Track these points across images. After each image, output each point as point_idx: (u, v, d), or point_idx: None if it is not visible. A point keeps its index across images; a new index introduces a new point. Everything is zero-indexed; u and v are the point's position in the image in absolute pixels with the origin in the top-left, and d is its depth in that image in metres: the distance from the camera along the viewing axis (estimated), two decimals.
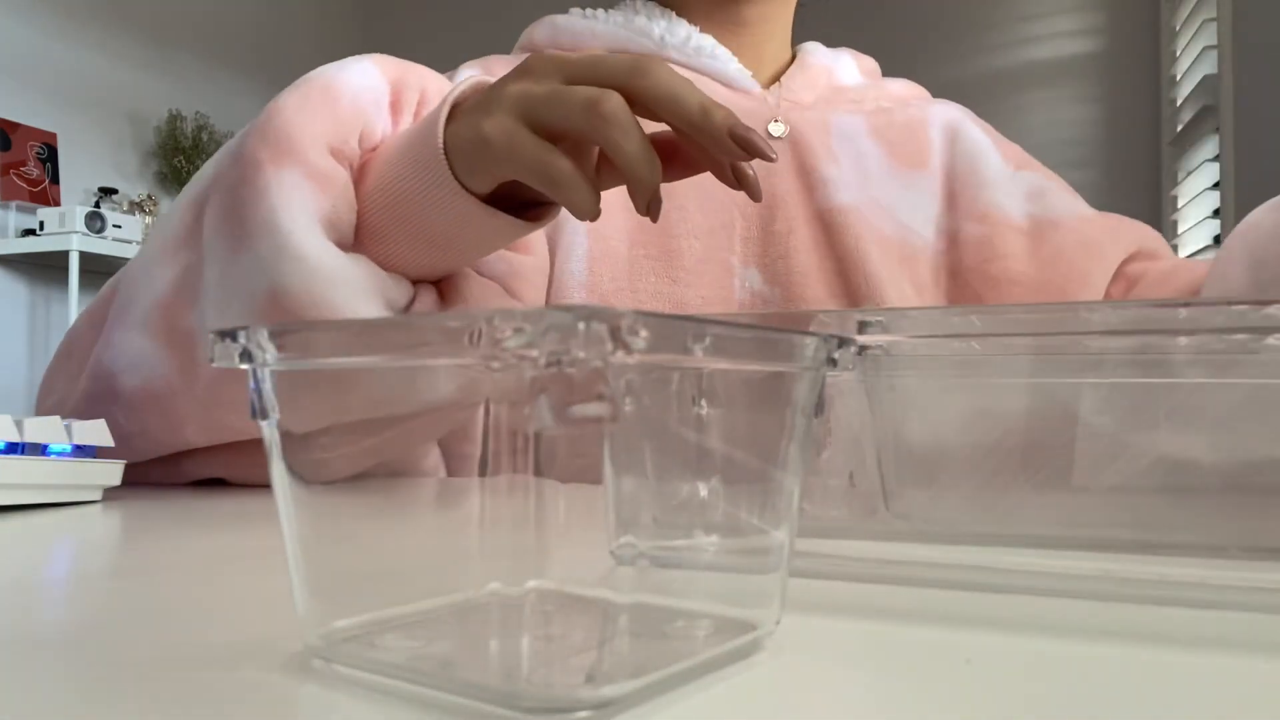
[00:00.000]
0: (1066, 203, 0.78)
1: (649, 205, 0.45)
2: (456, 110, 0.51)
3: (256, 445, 0.58)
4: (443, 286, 0.57)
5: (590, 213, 0.46)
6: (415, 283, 0.55)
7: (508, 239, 0.54)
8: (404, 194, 0.52)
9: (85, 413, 0.58)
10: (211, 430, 0.56)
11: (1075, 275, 0.73)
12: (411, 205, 0.52)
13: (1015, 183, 0.79)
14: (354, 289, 0.50)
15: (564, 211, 0.71)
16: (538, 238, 0.66)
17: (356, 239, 0.53)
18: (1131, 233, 0.78)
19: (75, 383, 0.60)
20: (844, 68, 0.86)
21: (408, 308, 0.54)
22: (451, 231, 0.52)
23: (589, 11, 0.82)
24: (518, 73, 0.48)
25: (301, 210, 0.50)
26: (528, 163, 0.46)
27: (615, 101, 0.44)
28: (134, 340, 0.55)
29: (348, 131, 0.53)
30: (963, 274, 0.76)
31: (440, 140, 0.50)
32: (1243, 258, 0.60)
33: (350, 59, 0.57)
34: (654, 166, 0.44)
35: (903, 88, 0.87)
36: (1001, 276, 0.74)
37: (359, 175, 0.54)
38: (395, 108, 0.57)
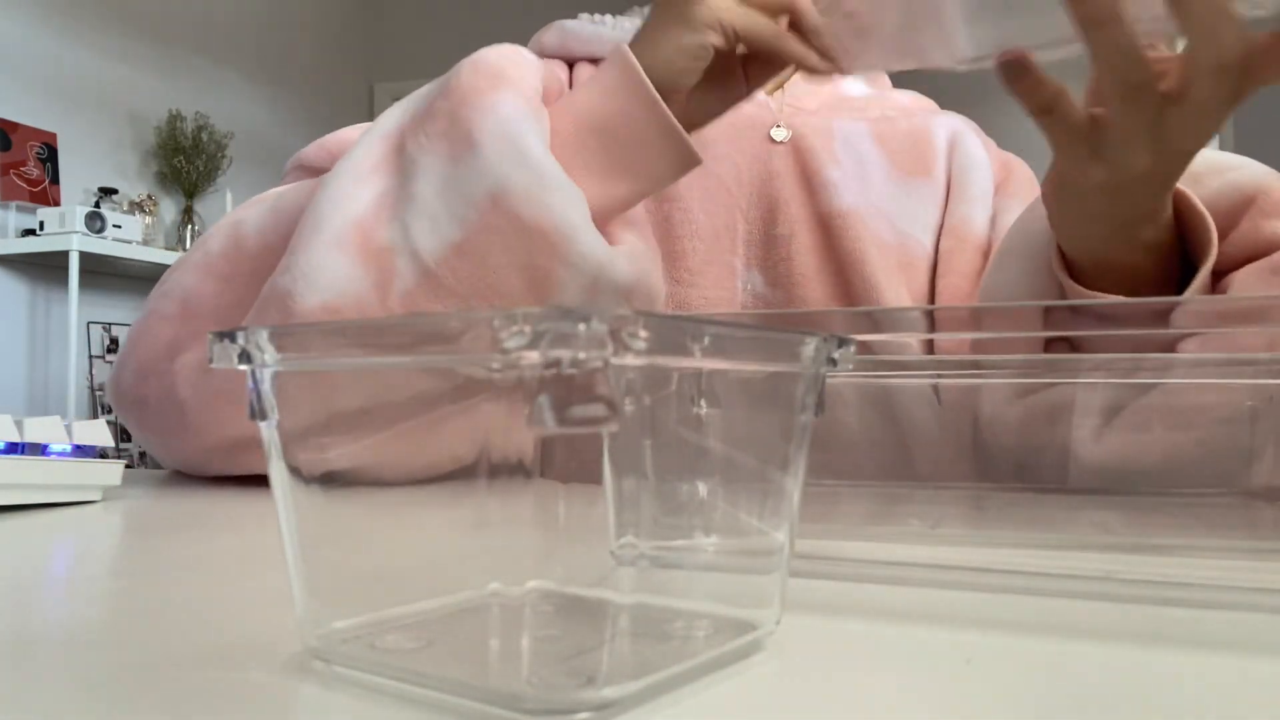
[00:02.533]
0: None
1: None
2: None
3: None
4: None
5: (820, 64, 0.55)
6: None
7: (680, 168, 0.58)
8: (600, 122, 0.56)
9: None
10: None
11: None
12: (604, 131, 0.56)
13: (992, 203, 0.80)
14: (574, 203, 0.52)
15: None
16: (646, 226, 0.67)
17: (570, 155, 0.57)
18: None
19: (202, 340, 0.59)
20: (850, 78, 0.86)
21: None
22: (639, 154, 0.56)
23: (597, 17, 0.82)
24: None
25: (527, 123, 0.53)
26: (763, 28, 0.54)
27: None
28: (323, 258, 0.53)
29: (542, 82, 0.58)
30: (941, 283, 0.76)
31: (629, 66, 0.55)
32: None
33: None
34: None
35: (909, 99, 0.87)
36: (946, 291, 0.74)
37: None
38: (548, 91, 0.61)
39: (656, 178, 0.58)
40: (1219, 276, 0.53)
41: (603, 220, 0.58)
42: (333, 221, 0.54)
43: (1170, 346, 0.37)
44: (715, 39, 0.54)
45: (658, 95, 0.54)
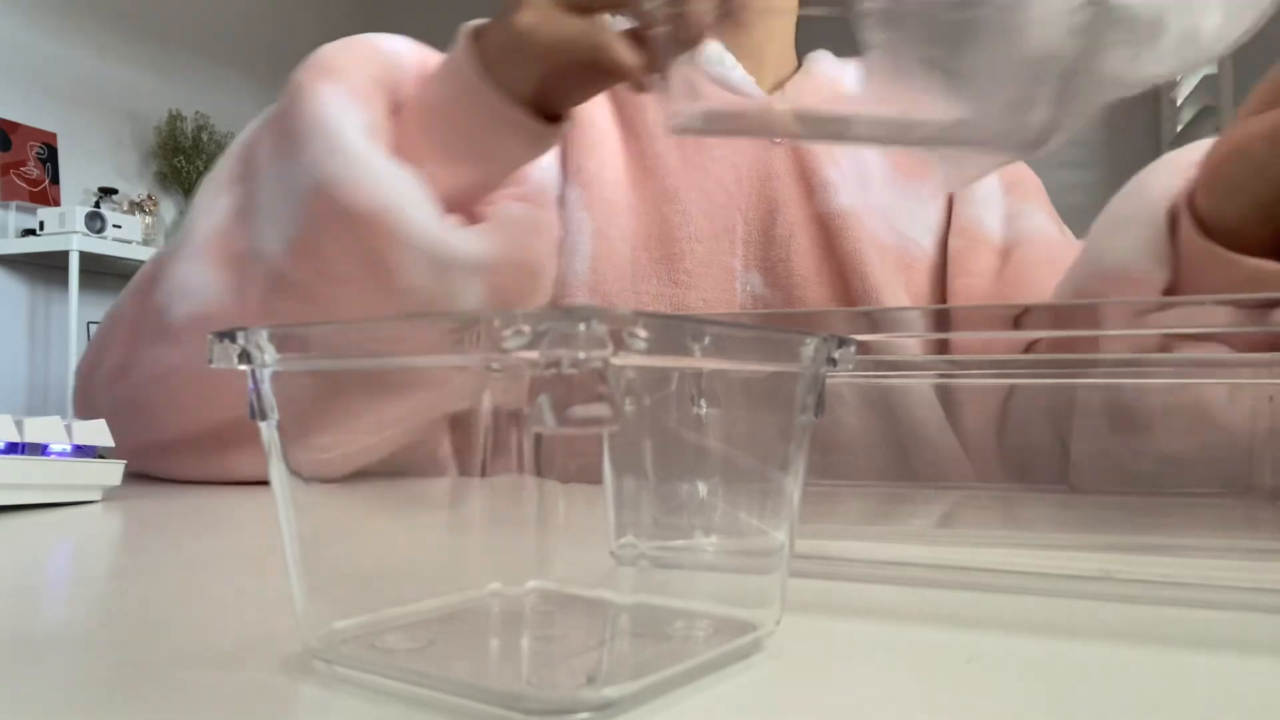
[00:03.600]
0: (1037, 223, 0.77)
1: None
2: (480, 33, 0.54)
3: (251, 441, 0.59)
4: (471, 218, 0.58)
5: (640, 80, 0.50)
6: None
7: (531, 147, 0.56)
8: (437, 107, 0.55)
9: (136, 357, 0.59)
10: None
11: (1033, 294, 0.72)
12: (445, 117, 0.55)
13: (1002, 204, 0.79)
14: (400, 184, 0.52)
15: (566, 211, 0.71)
16: (550, 202, 0.66)
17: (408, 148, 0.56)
18: None
19: (122, 347, 0.61)
20: (851, 78, 0.85)
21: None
22: (481, 137, 0.54)
23: None
24: None
25: (346, 114, 0.53)
26: (576, 35, 0.49)
27: None
28: (187, 269, 0.57)
29: (383, 71, 0.57)
30: (944, 287, 0.76)
31: (469, 48, 0.53)
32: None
33: (381, 34, 0.62)
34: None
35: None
36: (963, 292, 0.74)
37: (395, 115, 0.57)
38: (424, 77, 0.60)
39: (508, 158, 0.56)
40: None
41: (467, 200, 0.57)
42: (196, 234, 0.57)
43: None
44: (535, 51, 0.52)
45: (487, 81, 0.53)
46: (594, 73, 0.53)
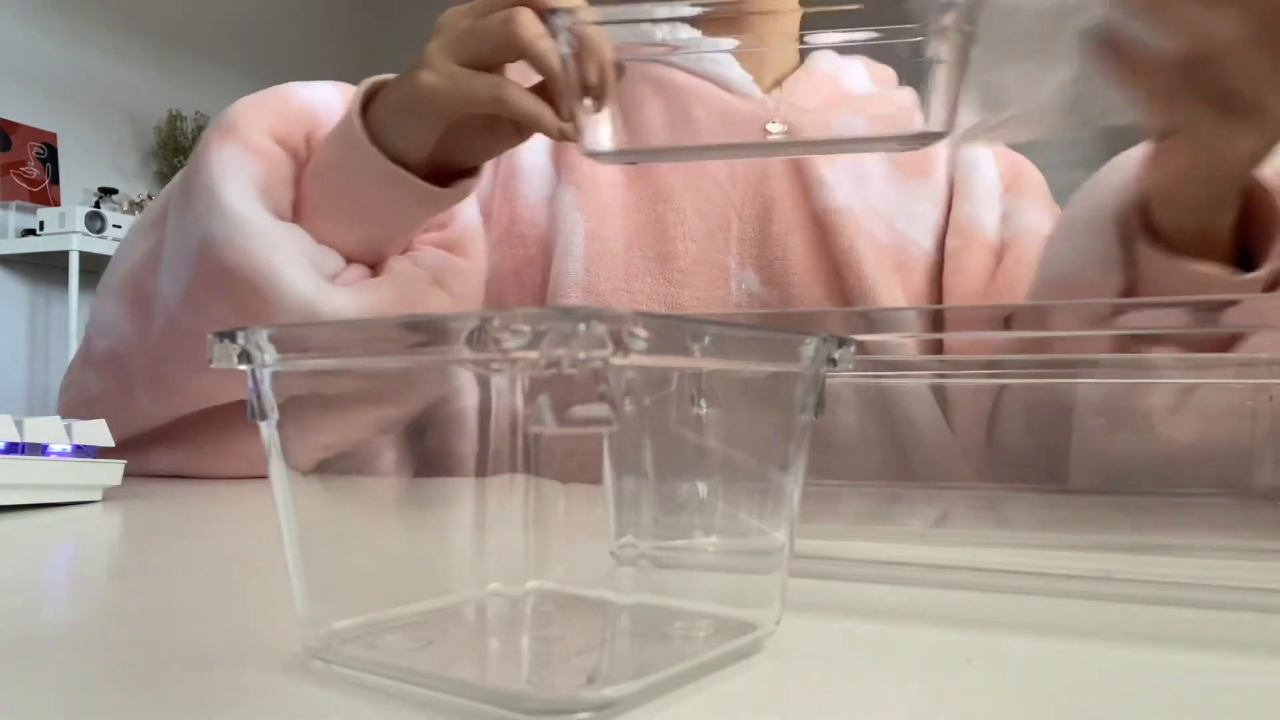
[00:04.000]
0: (1030, 221, 0.77)
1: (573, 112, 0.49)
2: (379, 90, 0.55)
3: (217, 436, 0.61)
4: (376, 269, 0.60)
5: (553, 125, 0.50)
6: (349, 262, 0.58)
7: (425, 206, 0.57)
8: (331, 165, 0.56)
9: (75, 377, 0.63)
10: (157, 387, 0.59)
11: (1022, 292, 0.71)
12: (338, 175, 0.56)
13: (1001, 202, 0.79)
14: (276, 246, 0.53)
15: (560, 212, 0.71)
16: (475, 243, 0.66)
17: (295, 216, 0.57)
18: None
19: (75, 364, 0.66)
20: (853, 76, 0.85)
21: (335, 281, 0.57)
22: (372, 195, 0.55)
23: None
24: (432, 34, 0.52)
25: (233, 174, 0.54)
26: (479, 90, 0.49)
27: (526, 15, 0.48)
28: (107, 306, 0.61)
29: (292, 124, 0.58)
30: (941, 285, 0.76)
31: (358, 109, 0.54)
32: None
33: (318, 81, 0.63)
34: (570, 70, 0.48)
35: (913, 98, 0.86)
36: (957, 290, 0.74)
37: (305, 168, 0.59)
38: None
39: (402, 217, 0.57)
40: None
41: (373, 254, 0.58)
42: (117, 273, 0.62)
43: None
44: (438, 110, 0.51)
45: (375, 144, 0.53)
46: (501, 127, 0.54)
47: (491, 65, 0.50)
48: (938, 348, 0.47)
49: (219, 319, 0.54)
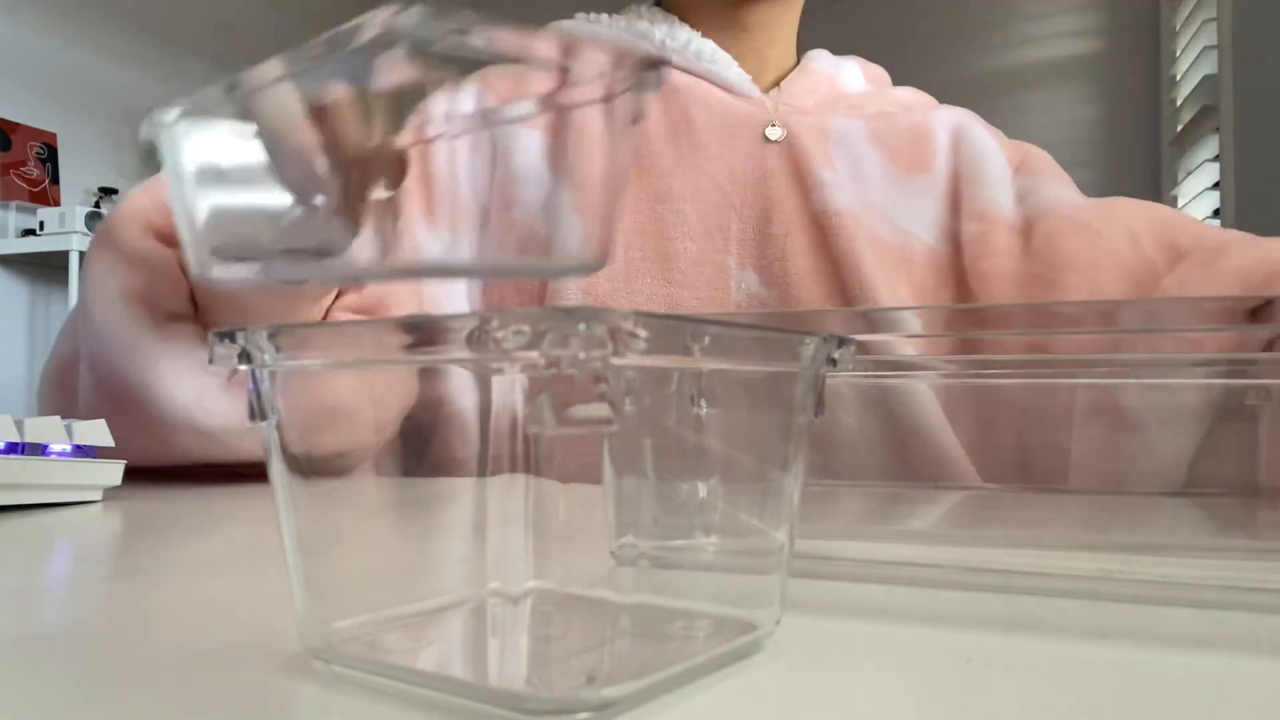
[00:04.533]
0: (1053, 191, 0.77)
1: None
2: None
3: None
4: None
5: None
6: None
7: (314, 305, 0.56)
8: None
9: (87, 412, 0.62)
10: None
11: (1063, 262, 0.71)
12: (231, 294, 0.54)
13: (1013, 184, 0.79)
14: (151, 358, 0.53)
15: (558, 214, 0.71)
16: (398, 293, 0.65)
17: (194, 306, 0.56)
18: (1127, 211, 0.74)
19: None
20: (848, 75, 0.85)
21: (233, 379, 0.56)
22: (257, 302, 0.54)
23: (592, 16, 0.82)
24: None
25: (108, 290, 0.54)
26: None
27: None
28: (44, 392, 0.63)
29: (168, 218, 0.56)
30: (961, 274, 0.76)
31: None
32: None
33: None
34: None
35: (909, 95, 0.86)
36: (992, 272, 0.73)
37: None
38: None
39: (286, 311, 0.55)
40: None
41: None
42: (54, 363, 0.62)
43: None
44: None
45: None
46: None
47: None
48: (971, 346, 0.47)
49: (123, 434, 0.52)
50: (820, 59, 0.85)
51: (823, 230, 0.73)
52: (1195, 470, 0.53)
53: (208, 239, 0.35)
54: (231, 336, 0.20)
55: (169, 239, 0.55)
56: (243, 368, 0.20)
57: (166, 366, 0.53)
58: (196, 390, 0.54)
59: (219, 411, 0.54)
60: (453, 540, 0.21)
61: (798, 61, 0.85)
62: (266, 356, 0.20)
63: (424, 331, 0.18)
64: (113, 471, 0.51)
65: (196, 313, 0.57)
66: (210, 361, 0.20)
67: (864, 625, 0.26)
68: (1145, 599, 0.29)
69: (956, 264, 0.77)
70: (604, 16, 0.82)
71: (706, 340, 0.19)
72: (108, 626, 0.25)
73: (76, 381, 0.59)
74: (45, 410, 0.63)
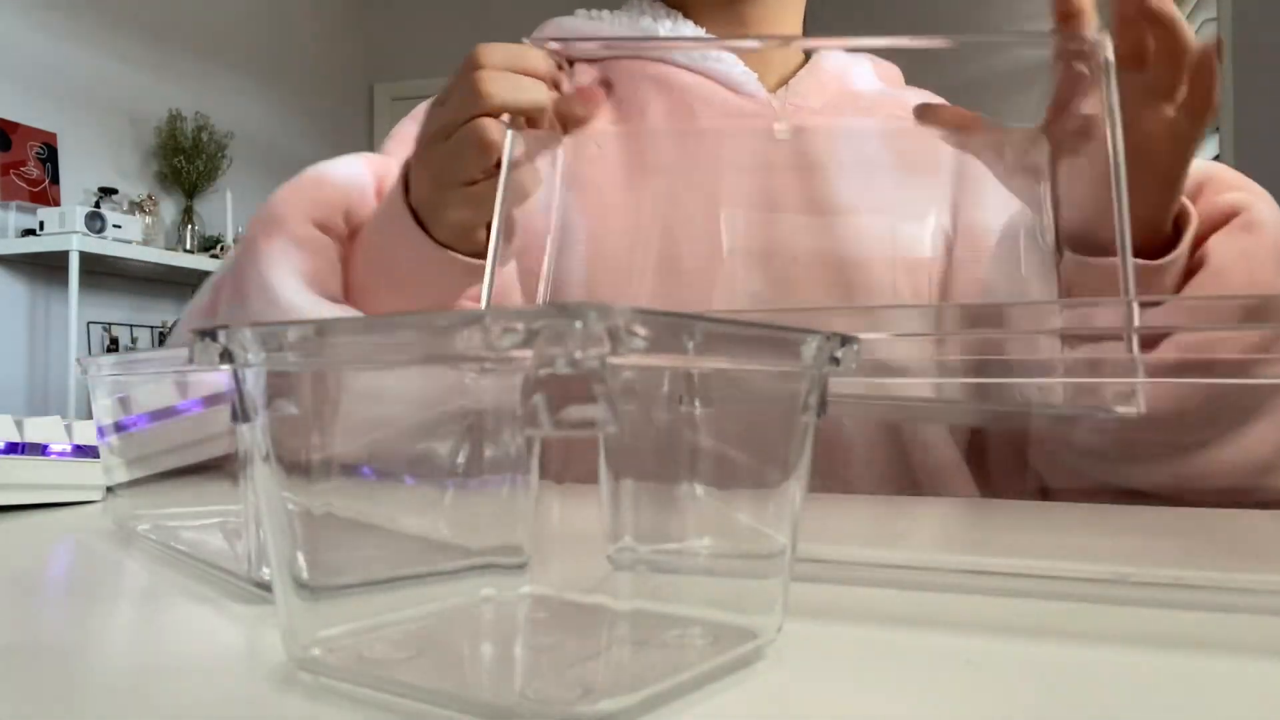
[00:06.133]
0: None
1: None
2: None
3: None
4: None
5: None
6: None
7: (469, 276, 0.59)
8: (375, 244, 0.60)
9: None
10: None
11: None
12: (382, 253, 0.59)
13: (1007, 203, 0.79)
14: None
15: (564, 218, 0.71)
16: (512, 297, 0.69)
17: (347, 297, 0.60)
18: None
19: None
20: (860, 73, 0.84)
21: None
22: (413, 269, 0.57)
23: (594, 12, 0.82)
24: (417, 150, 0.55)
25: (285, 269, 0.58)
26: (461, 207, 0.54)
27: (490, 132, 0.51)
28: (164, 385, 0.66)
29: (331, 209, 0.62)
30: (951, 286, 0.75)
31: (401, 191, 0.56)
32: None
33: (342, 156, 0.67)
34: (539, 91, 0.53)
35: (920, 97, 0.85)
36: (970, 291, 0.73)
37: (350, 246, 0.62)
38: (380, 194, 0.64)
39: (448, 288, 0.59)
40: (1194, 248, 0.58)
41: None
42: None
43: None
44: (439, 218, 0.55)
45: (417, 227, 0.56)
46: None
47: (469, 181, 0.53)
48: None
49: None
50: (830, 57, 0.84)
51: (828, 232, 0.73)
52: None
53: None
54: (213, 335, 0.20)
55: (326, 228, 0.61)
56: (224, 367, 0.20)
57: None
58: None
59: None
60: (444, 546, 0.20)
61: (807, 57, 0.85)
62: (250, 356, 0.19)
63: (417, 330, 0.18)
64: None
65: (347, 294, 0.61)
66: (190, 361, 0.20)
67: (865, 630, 0.25)
68: (1145, 601, 0.29)
69: (947, 271, 0.76)
70: (605, 13, 0.82)
71: (707, 339, 0.18)
72: (100, 632, 0.25)
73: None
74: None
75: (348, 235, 0.62)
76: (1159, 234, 0.56)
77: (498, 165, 0.52)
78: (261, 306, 0.57)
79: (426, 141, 0.54)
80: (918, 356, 0.39)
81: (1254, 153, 2.29)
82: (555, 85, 0.54)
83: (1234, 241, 0.56)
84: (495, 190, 0.51)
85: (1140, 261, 0.54)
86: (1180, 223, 0.57)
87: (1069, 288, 0.58)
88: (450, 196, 0.54)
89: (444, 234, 0.56)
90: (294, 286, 0.57)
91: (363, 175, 0.64)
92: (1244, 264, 0.55)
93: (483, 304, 0.51)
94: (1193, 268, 0.56)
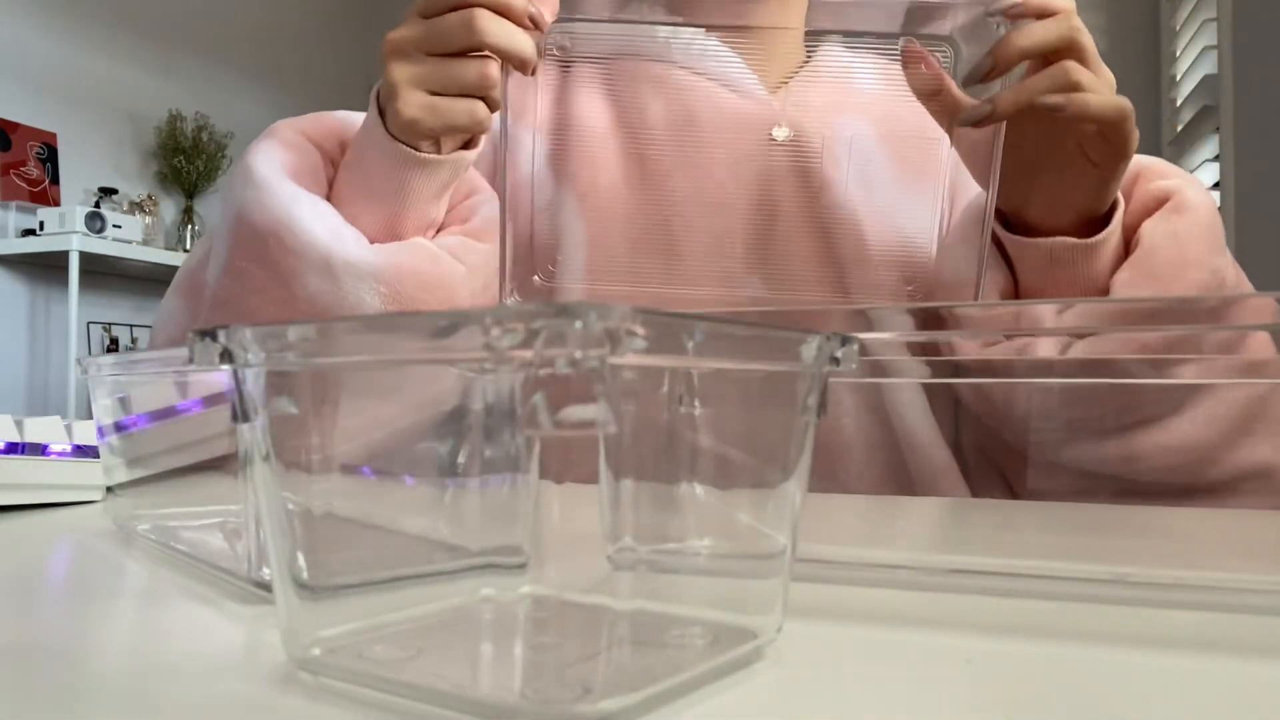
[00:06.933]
0: None
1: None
2: None
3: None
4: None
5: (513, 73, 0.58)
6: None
7: (429, 177, 0.62)
8: (353, 155, 0.63)
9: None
10: None
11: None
12: (357, 159, 0.62)
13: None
14: (297, 200, 0.59)
15: (563, 222, 0.71)
16: (495, 235, 0.69)
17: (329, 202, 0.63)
18: None
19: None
20: (862, 70, 0.84)
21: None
22: (380, 169, 0.61)
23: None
24: (386, 54, 0.57)
25: (266, 157, 0.62)
26: (459, 118, 0.57)
27: (484, 17, 0.54)
28: (169, 302, 0.70)
29: (325, 131, 0.66)
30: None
31: (374, 104, 0.60)
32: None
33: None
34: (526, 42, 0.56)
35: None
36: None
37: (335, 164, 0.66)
38: None
39: (413, 192, 0.62)
40: (1129, 232, 0.64)
41: (389, 234, 0.64)
42: (181, 272, 0.71)
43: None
44: (419, 138, 0.59)
45: (379, 126, 0.59)
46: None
47: (458, 92, 0.56)
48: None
49: (249, 276, 0.60)
50: (832, 56, 0.84)
51: (828, 234, 0.73)
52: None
53: None
54: (213, 335, 0.20)
55: (318, 145, 0.65)
56: (224, 367, 0.20)
57: (310, 210, 0.60)
58: (334, 233, 0.60)
59: (354, 254, 0.59)
60: (444, 546, 0.20)
61: (808, 59, 0.84)
62: (250, 356, 0.19)
63: (414, 329, 0.18)
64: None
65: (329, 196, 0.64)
66: (190, 361, 0.20)
67: (865, 630, 0.25)
68: (1145, 601, 0.29)
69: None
70: (604, 13, 0.81)
71: (706, 339, 0.18)
72: (99, 633, 0.25)
73: (204, 277, 0.65)
74: (168, 312, 0.69)
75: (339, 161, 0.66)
76: (1094, 215, 0.62)
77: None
78: (239, 188, 0.61)
79: (404, 41, 0.57)
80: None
81: (1254, 153, 2.29)
82: (537, 22, 0.57)
83: (1165, 224, 0.61)
84: (478, 109, 0.56)
85: (1075, 241, 0.61)
86: (1113, 208, 0.63)
87: (1015, 263, 0.65)
88: (435, 108, 0.56)
89: (401, 119, 0.58)
90: (268, 167, 0.61)
91: (358, 119, 0.67)
92: (1174, 244, 0.60)
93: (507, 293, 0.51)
94: (1129, 250, 0.62)
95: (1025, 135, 0.60)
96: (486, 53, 0.56)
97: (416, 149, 0.59)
